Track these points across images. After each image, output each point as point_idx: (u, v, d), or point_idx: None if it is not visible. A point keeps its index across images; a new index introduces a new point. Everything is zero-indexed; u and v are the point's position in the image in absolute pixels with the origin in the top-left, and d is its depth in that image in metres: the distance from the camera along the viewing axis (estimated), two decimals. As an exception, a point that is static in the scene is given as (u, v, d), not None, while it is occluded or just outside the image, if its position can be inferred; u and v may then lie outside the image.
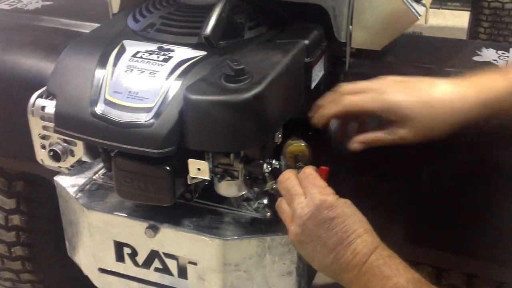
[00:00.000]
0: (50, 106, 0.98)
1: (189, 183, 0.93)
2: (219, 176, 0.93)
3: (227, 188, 0.97)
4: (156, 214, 0.98)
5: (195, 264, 0.98)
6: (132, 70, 0.91)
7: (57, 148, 1.02)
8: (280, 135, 0.96)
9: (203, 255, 0.97)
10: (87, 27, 1.23)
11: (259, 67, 0.88)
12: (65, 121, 0.92)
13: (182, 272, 1.00)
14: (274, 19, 1.05)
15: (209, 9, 0.92)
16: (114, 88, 0.90)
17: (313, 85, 1.01)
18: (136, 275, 1.04)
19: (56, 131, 0.94)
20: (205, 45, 0.92)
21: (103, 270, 1.07)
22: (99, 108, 0.89)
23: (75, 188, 1.05)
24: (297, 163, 0.93)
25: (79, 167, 1.09)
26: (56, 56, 1.06)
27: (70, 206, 1.06)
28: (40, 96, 1.00)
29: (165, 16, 1.00)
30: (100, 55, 0.94)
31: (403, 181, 1.02)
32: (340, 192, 0.83)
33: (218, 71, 0.87)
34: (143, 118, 0.86)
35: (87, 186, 1.06)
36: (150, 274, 1.03)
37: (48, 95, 1.00)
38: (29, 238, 1.47)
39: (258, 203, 1.02)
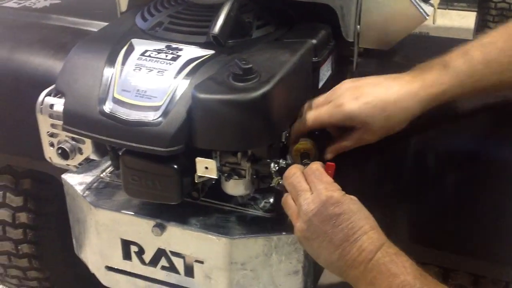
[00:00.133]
0: (58, 104, 0.99)
1: (196, 181, 0.93)
2: (226, 175, 0.93)
3: (234, 187, 0.97)
4: (163, 213, 0.98)
5: (201, 262, 0.98)
6: (141, 68, 0.91)
7: (66, 146, 1.02)
8: (287, 134, 0.96)
9: (210, 254, 0.97)
10: (95, 25, 1.23)
11: (267, 66, 0.88)
12: (73, 119, 0.93)
13: (189, 271, 1.01)
14: (282, 19, 1.05)
15: (217, 8, 0.93)
16: (122, 87, 0.90)
17: (320, 84, 1.01)
18: (143, 273, 1.05)
19: (64, 129, 0.95)
20: (213, 44, 0.93)
21: (110, 268, 1.07)
22: (108, 107, 0.89)
23: (83, 186, 1.06)
24: (303, 160, 0.93)
25: (86, 165, 1.09)
26: (64, 54, 1.07)
27: (77, 204, 1.06)
28: (48, 94, 1.01)
29: (174, 15, 1.00)
30: (108, 54, 0.94)
31: (408, 181, 1.02)
32: (346, 190, 0.83)
33: (226, 70, 0.87)
34: (151, 116, 0.87)
35: (95, 184, 1.07)
36: (157, 273, 1.03)
37: (57, 93, 1.00)
38: (36, 236, 1.47)
39: (265, 202, 1.02)
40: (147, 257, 1.02)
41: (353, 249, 0.78)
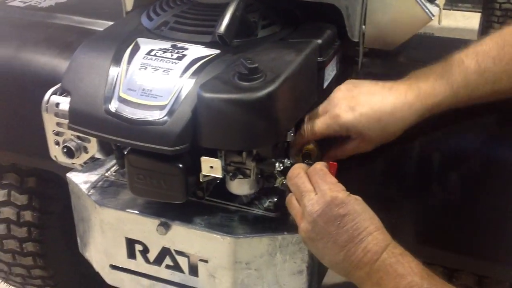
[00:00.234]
0: (64, 103, 0.99)
1: (201, 180, 0.93)
2: (231, 174, 0.94)
3: (239, 186, 0.97)
4: (168, 212, 0.98)
5: (206, 261, 0.98)
6: (146, 68, 0.91)
7: (71, 145, 1.02)
8: (292, 134, 0.96)
9: (214, 253, 0.97)
10: (101, 25, 1.23)
11: (273, 66, 0.88)
12: (79, 118, 0.93)
13: (193, 270, 1.01)
14: (288, 18, 1.05)
15: (222, 7, 0.93)
16: (128, 86, 0.90)
17: (325, 84, 1.01)
18: (147, 272, 1.05)
19: (70, 128, 0.95)
20: (219, 43, 0.93)
21: (114, 267, 1.07)
22: (113, 106, 0.90)
23: (88, 185, 1.06)
24: (305, 161, 0.93)
25: (91, 164, 1.10)
26: (69, 53, 1.07)
27: (82, 202, 1.07)
28: (54, 93, 1.01)
29: (179, 14, 1.01)
30: (114, 53, 0.95)
31: (413, 181, 1.02)
32: (350, 190, 0.83)
33: (232, 70, 0.87)
34: (156, 115, 0.87)
35: (100, 183, 1.07)
36: (161, 271, 1.03)
37: (63, 92, 1.00)
38: (41, 234, 1.47)
39: (270, 201, 1.02)
40: (152, 256, 1.02)
41: (358, 250, 0.78)
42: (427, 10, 1.03)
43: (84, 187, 1.05)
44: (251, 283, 0.98)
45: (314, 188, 0.83)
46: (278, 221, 0.98)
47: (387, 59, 1.13)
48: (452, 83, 0.89)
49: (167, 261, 1.02)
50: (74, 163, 1.07)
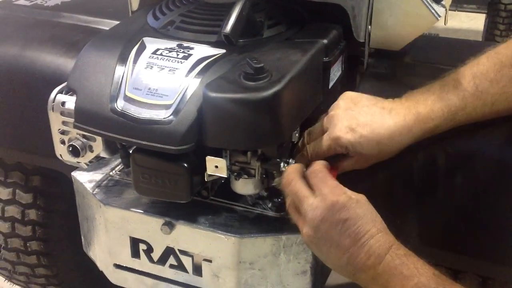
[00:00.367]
0: (70, 102, 0.99)
1: (206, 180, 0.94)
2: (236, 174, 0.94)
3: (244, 186, 0.97)
4: (172, 211, 0.98)
5: (210, 261, 0.99)
6: (152, 67, 0.91)
7: (76, 144, 1.03)
8: (297, 134, 0.96)
9: (218, 253, 0.97)
10: (107, 24, 1.24)
11: (278, 65, 0.88)
12: (84, 117, 0.93)
13: (197, 269, 1.01)
14: (293, 18, 1.05)
15: (228, 7, 0.93)
16: (134, 85, 0.90)
17: (331, 84, 1.01)
18: (151, 272, 1.05)
19: (75, 127, 0.95)
20: (225, 43, 0.93)
21: (118, 266, 1.07)
22: (119, 105, 0.90)
23: (92, 184, 1.06)
24: None
25: (96, 163, 1.10)
26: (75, 52, 1.07)
27: (87, 201, 1.07)
28: (60, 92, 1.01)
29: (185, 14, 1.01)
30: (120, 52, 0.95)
31: (418, 182, 1.02)
32: (355, 189, 0.83)
33: (238, 69, 0.87)
34: (162, 115, 0.87)
35: (104, 182, 1.07)
36: (165, 271, 1.03)
37: (68, 90, 1.01)
38: (45, 233, 1.47)
39: (274, 201, 1.02)
40: (156, 255, 1.03)
41: (361, 254, 0.78)
42: (433, 11, 1.02)
43: (89, 186, 1.05)
44: (255, 283, 0.98)
45: (314, 190, 0.83)
46: (282, 221, 0.98)
47: (392, 60, 1.12)
48: (450, 106, 0.89)
49: (171, 260, 1.02)
50: (79, 162, 1.07)
